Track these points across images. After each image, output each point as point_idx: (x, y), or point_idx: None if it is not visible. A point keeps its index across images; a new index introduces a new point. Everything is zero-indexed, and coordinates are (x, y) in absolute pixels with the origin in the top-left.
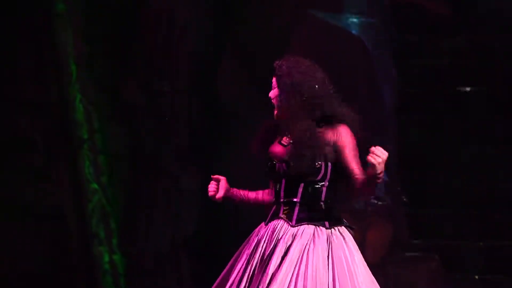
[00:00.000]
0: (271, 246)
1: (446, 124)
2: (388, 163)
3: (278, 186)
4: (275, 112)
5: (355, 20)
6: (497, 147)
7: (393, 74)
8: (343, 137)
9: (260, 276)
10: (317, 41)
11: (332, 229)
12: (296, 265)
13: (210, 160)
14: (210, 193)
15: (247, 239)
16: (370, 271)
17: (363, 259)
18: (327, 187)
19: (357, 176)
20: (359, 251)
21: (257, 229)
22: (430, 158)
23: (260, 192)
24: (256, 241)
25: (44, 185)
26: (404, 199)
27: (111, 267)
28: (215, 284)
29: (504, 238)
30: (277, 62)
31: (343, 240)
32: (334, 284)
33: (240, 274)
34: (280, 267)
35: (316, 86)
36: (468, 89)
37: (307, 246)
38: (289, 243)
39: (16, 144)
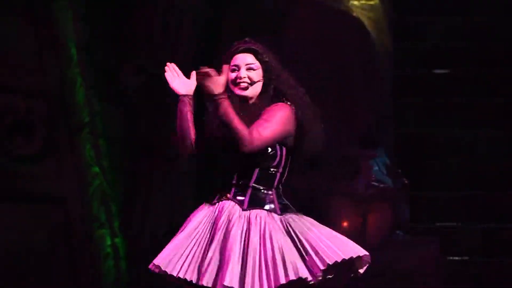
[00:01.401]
0: (223, 227)
1: (444, 106)
2: (387, 145)
3: (230, 167)
4: (242, 91)
5: (355, 2)
6: (495, 129)
7: (391, 56)
8: (271, 109)
9: (218, 260)
10: (316, 23)
11: (284, 215)
12: (259, 253)
13: None
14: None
15: (188, 219)
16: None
17: (322, 229)
18: (280, 173)
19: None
20: (318, 226)
21: (199, 209)
22: (429, 140)
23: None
24: (201, 218)
25: (45, 169)
26: (405, 182)
27: (112, 250)
28: (158, 259)
29: (503, 221)
30: (244, 40)
31: (298, 220)
32: (304, 247)
33: (188, 254)
34: (247, 259)
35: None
36: (464, 70)
37: (264, 228)
38: (245, 227)
39: (16, 127)
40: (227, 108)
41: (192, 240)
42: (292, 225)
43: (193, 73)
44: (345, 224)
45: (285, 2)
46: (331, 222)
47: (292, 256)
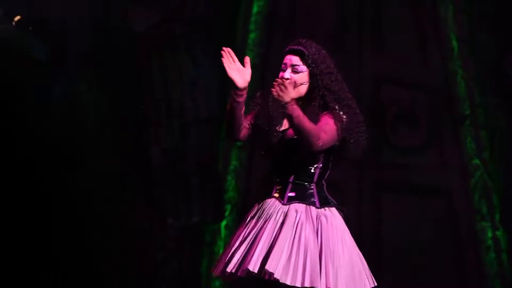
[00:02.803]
0: (262, 222)
1: None
2: None
3: (272, 167)
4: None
5: None
6: None
7: None
8: (325, 117)
9: (251, 250)
10: None
11: (322, 209)
12: (289, 240)
13: None
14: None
15: (244, 219)
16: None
17: (351, 240)
18: (320, 170)
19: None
20: (348, 232)
21: (252, 209)
22: None
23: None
24: (249, 219)
25: (429, 160)
26: None
27: (493, 243)
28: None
29: None
30: (298, 41)
31: (332, 220)
32: (321, 260)
33: (232, 251)
34: (275, 243)
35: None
36: None
37: (298, 223)
38: (280, 220)
39: (401, 119)
40: (298, 112)
41: (238, 240)
42: (323, 228)
43: (247, 59)
44: None
45: None
46: None
47: (313, 262)
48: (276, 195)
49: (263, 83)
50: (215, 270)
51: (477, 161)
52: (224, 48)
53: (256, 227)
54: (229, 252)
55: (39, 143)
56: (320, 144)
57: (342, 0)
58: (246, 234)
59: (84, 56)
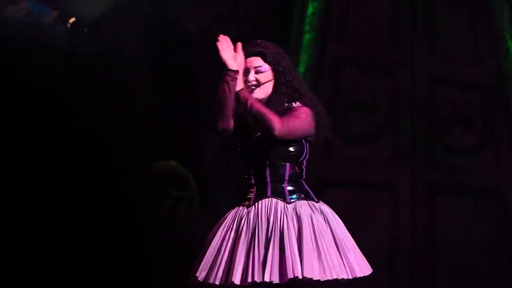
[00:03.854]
0: (274, 224)
1: None
2: None
3: (259, 167)
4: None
5: None
6: None
7: None
8: (296, 108)
9: (278, 255)
10: None
11: (320, 203)
12: (312, 239)
13: None
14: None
15: (222, 221)
16: None
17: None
18: (305, 166)
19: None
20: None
21: (233, 212)
22: None
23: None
24: (240, 222)
25: (482, 161)
26: None
27: None
28: (197, 270)
29: None
30: (255, 43)
31: (332, 211)
32: (339, 250)
33: (233, 257)
34: (302, 247)
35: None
36: None
37: (313, 219)
38: (295, 219)
39: (454, 120)
40: (250, 97)
41: (235, 245)
42: (329, 220)
43: (239, 45)
44: None
45: None
46: None
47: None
48: (274, 195)
49: (317, 83)
50: (210, 279)
51: None
52: (220, 35)
53: (270, 231)
54: (239, 260)
55: (95, 143)
56: (281, 132)
57: (395, 0)
58: (251, 239)
59: (137, 56)
